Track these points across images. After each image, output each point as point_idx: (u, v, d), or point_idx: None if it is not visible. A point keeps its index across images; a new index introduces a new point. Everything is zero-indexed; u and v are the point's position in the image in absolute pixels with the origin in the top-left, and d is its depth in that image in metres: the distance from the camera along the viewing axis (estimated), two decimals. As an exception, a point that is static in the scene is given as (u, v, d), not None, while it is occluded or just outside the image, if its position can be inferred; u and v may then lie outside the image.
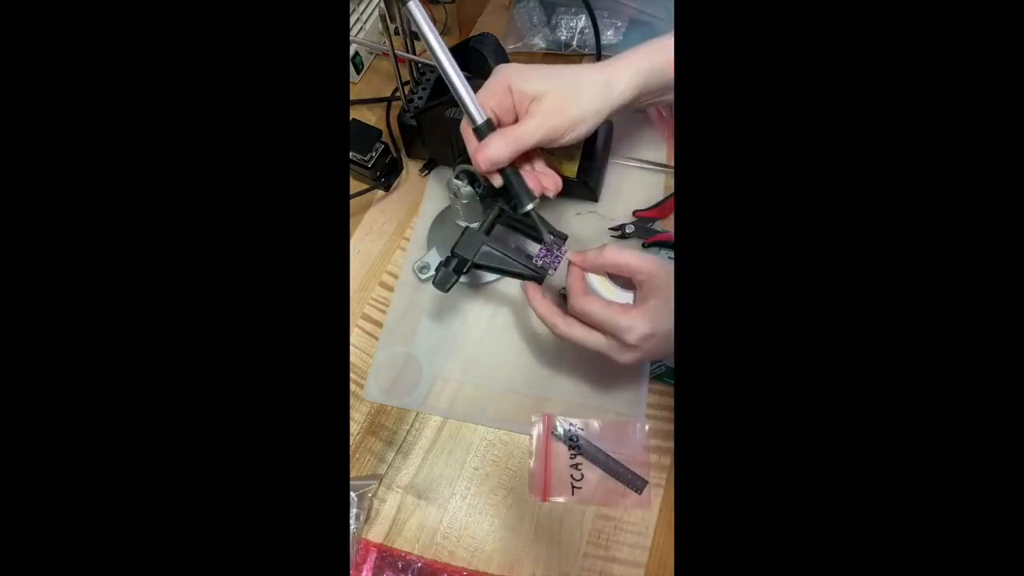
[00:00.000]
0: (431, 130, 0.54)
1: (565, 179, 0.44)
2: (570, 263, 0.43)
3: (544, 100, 0.39)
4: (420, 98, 0.55)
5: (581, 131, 0.41)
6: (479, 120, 0.40)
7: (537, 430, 0.47)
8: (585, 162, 0.53)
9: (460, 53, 0.55)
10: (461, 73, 0.39)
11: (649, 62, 0.42)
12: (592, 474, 0.45)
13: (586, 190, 0.55)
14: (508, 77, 0.40)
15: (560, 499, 0.44)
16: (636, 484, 0.44)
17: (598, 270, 0.42)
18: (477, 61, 0.53)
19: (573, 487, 0.45)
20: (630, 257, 0.40)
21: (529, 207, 0.41)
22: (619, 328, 0.38)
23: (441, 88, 0.56)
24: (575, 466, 0.46)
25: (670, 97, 0.45)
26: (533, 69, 0.41)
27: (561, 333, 0.41)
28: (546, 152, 0.44)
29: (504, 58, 0.54)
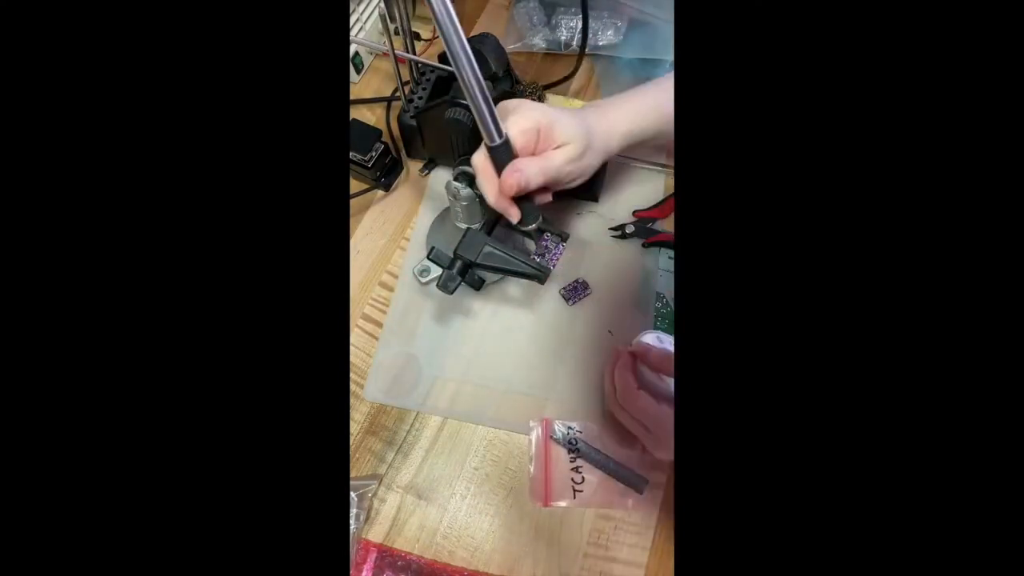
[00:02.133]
0: (431, 130, 0.54)
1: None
2: (618, 354, 0.43)
3: (568, 146, 0.42)
4: (420, 98, 0.55)
5: (586, 177, 0.45)
6: (498, 140, 0.40)
7: (536, 435, 0.47)
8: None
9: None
10: (486, 89, 0.39)
11: (640, 116, 0.47)
12: (592, 476, 0.45)
13: (586, 190, 0.55)
14: (537, 118, 0.41)
15: (562, 503, 0.44)
16: (636, 484, 0.44)
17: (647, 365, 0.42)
18: (477, 61, 0.53)
19: (574, 490, 0.45)
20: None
21: (534, 226, 0.44)
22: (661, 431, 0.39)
23: (441, 88, 0.56)
24: (575, 469, 0.45)
25: (660, 141, 0.49)
26: (557, 113, 0.42)
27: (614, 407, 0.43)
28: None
29: (504, 58, 0.54)
